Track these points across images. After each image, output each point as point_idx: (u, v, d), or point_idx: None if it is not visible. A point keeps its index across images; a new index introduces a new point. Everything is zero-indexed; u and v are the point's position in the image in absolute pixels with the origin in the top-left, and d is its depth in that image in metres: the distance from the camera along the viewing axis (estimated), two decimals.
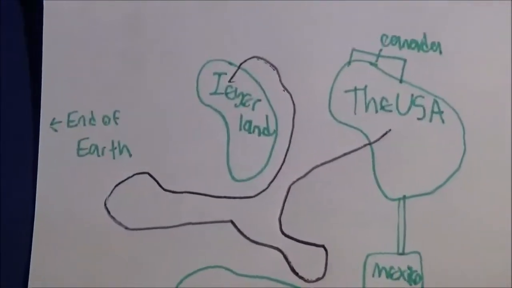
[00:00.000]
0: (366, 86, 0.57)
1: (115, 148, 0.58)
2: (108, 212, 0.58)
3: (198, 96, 0.58)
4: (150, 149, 0.59)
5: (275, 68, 0.58)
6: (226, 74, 0.58)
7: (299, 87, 0.58)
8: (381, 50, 0.57)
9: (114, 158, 0.59)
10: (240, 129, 0.58)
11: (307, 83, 0.58)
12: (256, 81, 0.58)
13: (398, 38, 0.57)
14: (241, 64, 0.58)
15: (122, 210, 0.58)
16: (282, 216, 0.57)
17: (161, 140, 0.59)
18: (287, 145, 0.58)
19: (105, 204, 0.58)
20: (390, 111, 0.57)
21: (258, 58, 0.58)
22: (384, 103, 0.57)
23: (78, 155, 0.59)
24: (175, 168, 0.58)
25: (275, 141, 0.58)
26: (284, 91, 0.58)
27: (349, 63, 0.57)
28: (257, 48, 0.58)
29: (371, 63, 0.57)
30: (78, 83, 0.59)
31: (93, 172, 0.59)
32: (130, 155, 0.59)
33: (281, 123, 0.58)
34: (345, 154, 0.57)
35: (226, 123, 0.58)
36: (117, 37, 0.58)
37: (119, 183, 0.58)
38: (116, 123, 0.58)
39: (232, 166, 0.58)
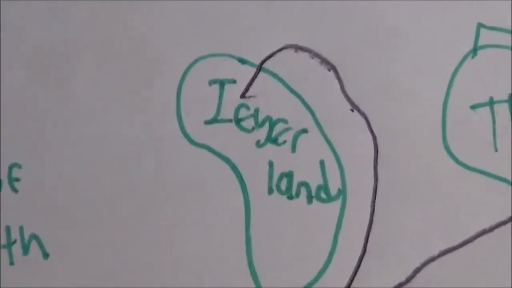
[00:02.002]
0: (511, 96, 0.46)
1: (14, 242, 0.46)
2: None
3: (182, 129, 0.46)
4: (85, 242, 0.46)
5: (331, 67, 0.45)
6: (234, 82, 0.46)
7: (381, 103, 0.46)
8: None
9: (11, 263, 0.45)
10: (271, 192, 0.45)
11: (396, 94, 0.46)
12: (295, 93, 0.46)
13: None
14: (263, 61, 0.46)
15: None
16: None
17: (111, 223, 0.46)
18: (367, 220, 0.44)
19: None
20: None
21: (297, 48, 0.46)
22: None
23: None
24: (144, 274, 0.45)
25: (342, 213, 0.45)
26: (352, 111, 0.45)
27: (474, 51, 0.46)
28: (294, 31, 0.46)
29: None
30: None
31: None
32: (46, 256, 0.45)
33: (351, 175, 0.45)
34: (484, 233, 0.44)
35: (241, 180, 0.46)
36: (28, 28, 0.47)
37: None
38: (15, 191, 0.46)
39: (258, 264, 0.45)
